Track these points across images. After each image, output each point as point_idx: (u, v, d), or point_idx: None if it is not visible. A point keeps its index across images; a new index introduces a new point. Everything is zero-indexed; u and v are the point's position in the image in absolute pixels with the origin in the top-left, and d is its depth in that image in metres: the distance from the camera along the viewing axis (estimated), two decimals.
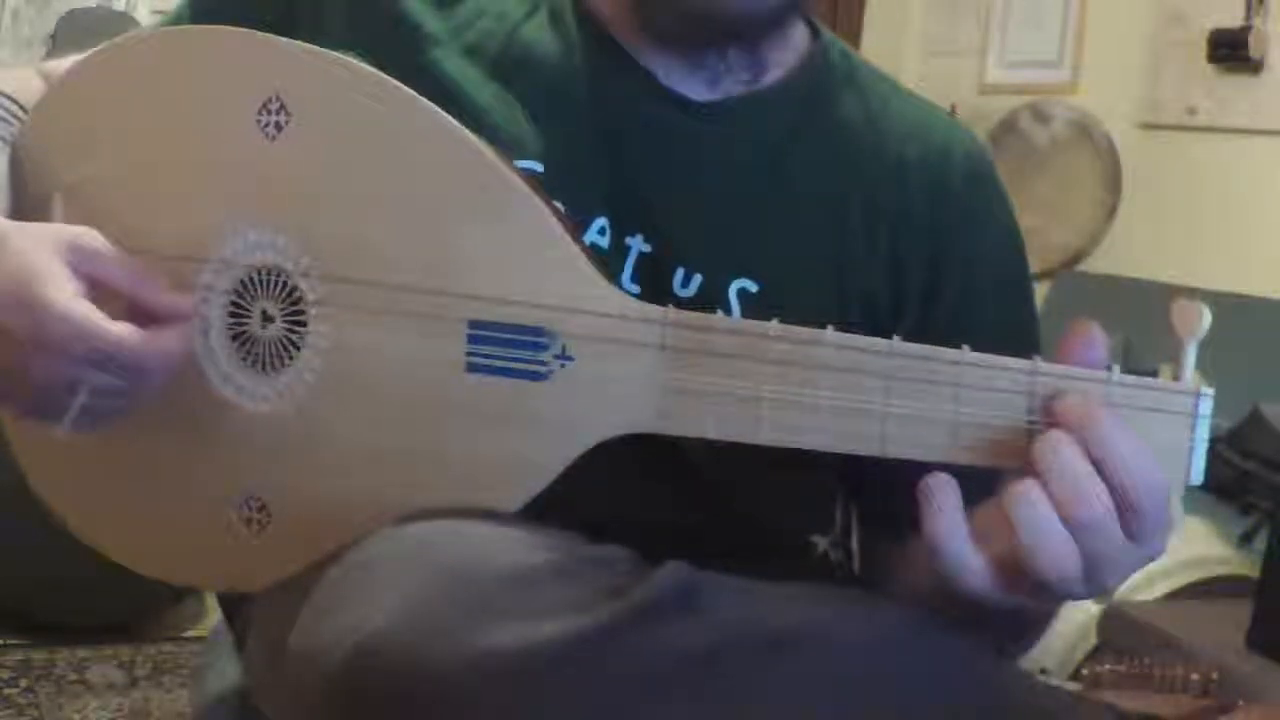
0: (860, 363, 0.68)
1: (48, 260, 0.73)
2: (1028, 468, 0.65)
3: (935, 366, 0.67)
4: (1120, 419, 0.65)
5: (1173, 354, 0.66)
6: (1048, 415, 0.66)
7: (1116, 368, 0.66)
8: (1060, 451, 0.64)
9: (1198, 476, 0.66)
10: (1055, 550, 0.64)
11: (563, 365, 0.72)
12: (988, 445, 0.67)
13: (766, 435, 0.70)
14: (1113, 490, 0.64)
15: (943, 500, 0.65)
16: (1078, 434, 0.64)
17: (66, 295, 0.72)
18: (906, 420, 0.67)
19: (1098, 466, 0.64)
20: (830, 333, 0.69)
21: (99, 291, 0.75)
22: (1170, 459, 0.66)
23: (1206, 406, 0.66)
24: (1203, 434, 0.66)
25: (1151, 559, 0.66)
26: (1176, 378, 0.66)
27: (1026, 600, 0.67)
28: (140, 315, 0.76)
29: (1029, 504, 0.64)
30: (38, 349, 0.72)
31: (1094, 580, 0.65)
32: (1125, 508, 0.64)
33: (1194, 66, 2.82)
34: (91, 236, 0.76)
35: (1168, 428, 0.66)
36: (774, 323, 0.70)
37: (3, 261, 0.73)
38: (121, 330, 0.73)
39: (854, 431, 0.68)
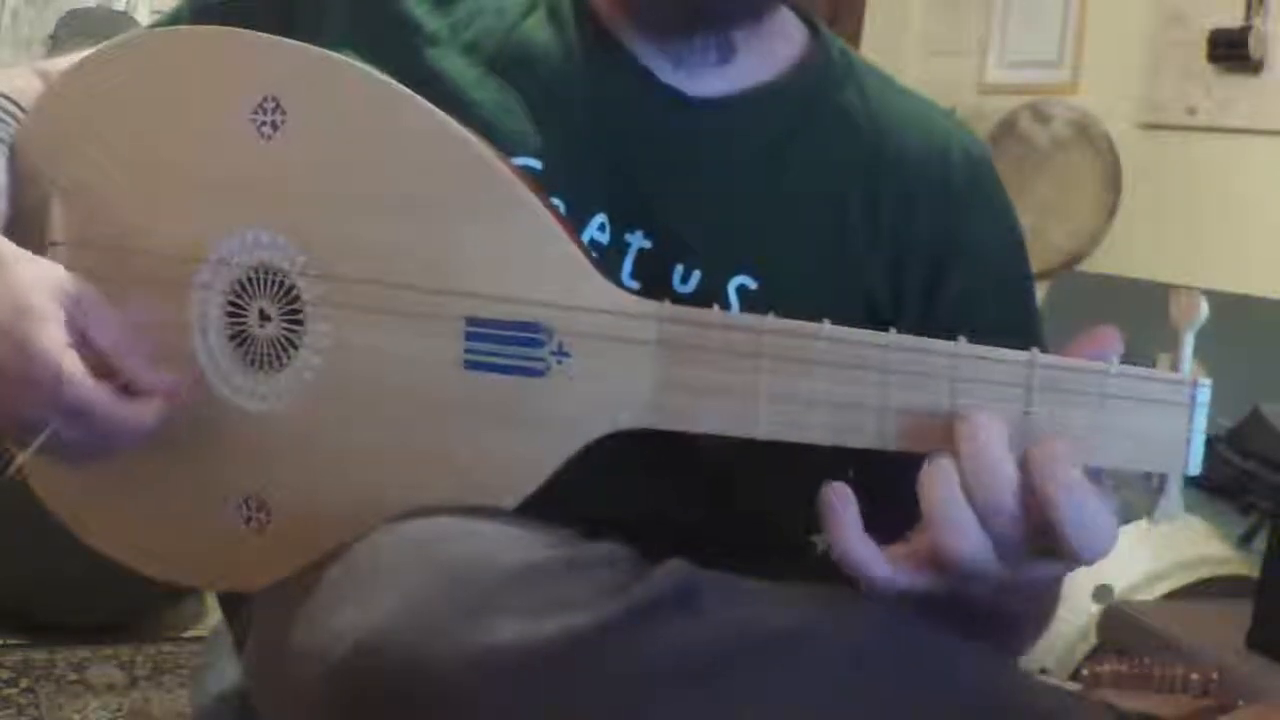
0: (857, 356, 0.68)
1: (45, 302, 0.74)
2: (948, 446, 0.65)
3: (932, 359, 0.67)
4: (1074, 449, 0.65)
5: (1171, 345, 0.66)
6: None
7: (1115, 359, 0.66)
8: (978, 433, 0.65)
9: (1195, 467, 0.66)
10: (957, 529, 0.64)
11: (560, 361, 0.72)
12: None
13: (764, 430, 0.70)
14: (1034, 494, 0.64)
15: (841, 512, 0.66)
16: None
17: (56, 343, 0.73)
18: (904, 413, 0.67)
19: (1026, 464, 0.64)
20: (827, 326, 0.69)
21: (87, 345, 0.75)
22: (1168, 449, 0.66)
23: (1204, 396, 0.66)
24: (1201, 424, 0.66)
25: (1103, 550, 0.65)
26: (1175, 368, 0.66)
27: (950, 585, 0.67)
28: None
29: (941, 483, 0.64)
30: (18, 383, 0.73)
31: (1008, 565, 0.65)
32: (1045, 515, 0.63)
33: (1194, 66, 2.82)
34: (92, 293, 0.77)
35: (1165, 418, 0.66)
36: (770, 317, 0.70)
37: (2, 288, 0.74)
38: (100, 394, 0.74)
39: (852, 425, 0.68)
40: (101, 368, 0.75)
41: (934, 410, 0.67)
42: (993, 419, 0.65)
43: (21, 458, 0.76)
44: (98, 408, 0.74)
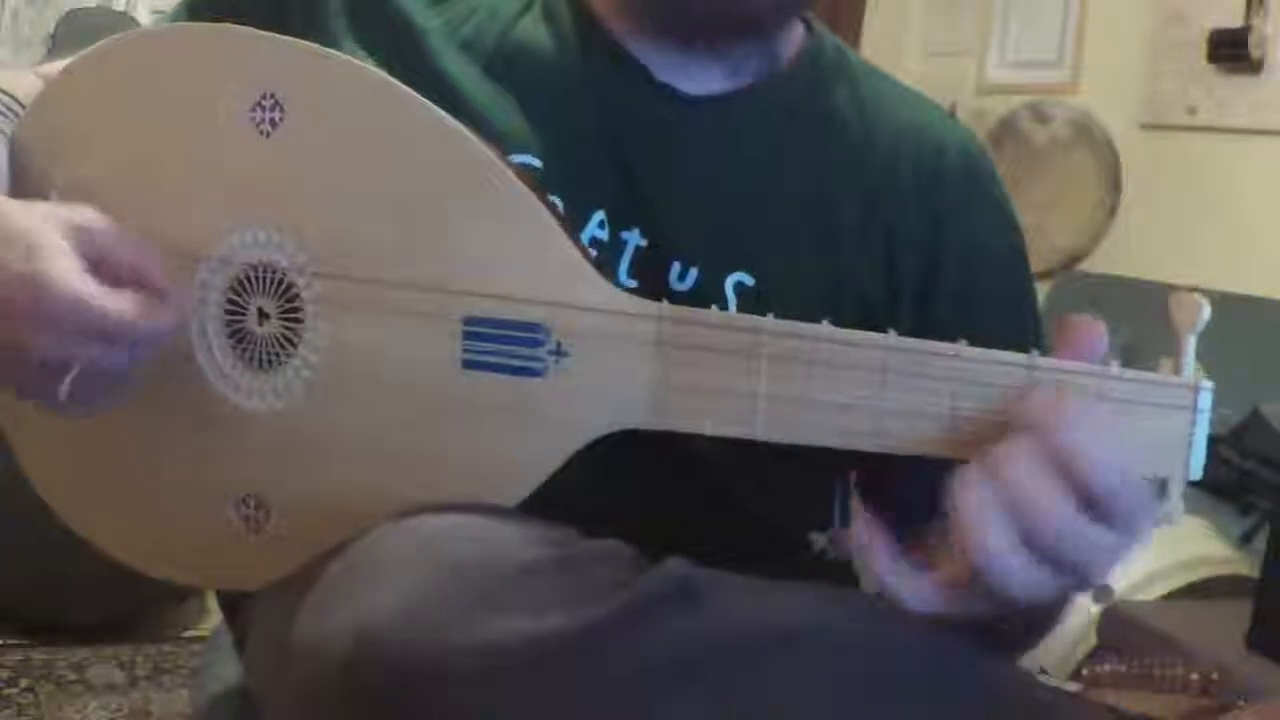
0: (857, 358, 0.68)
1: (50, 236, 0.73)
2: (984, 469, 0.63)
3: (932, 361, 0.67)
4: (1093, 409, 0.64)
5: (1171, 347, 0.66)
6: (1014, 418, 0.64)
7: (1115, 363, 0.66)
8: (1017, 462, 0.62)
9: (1198, 471, 0.66)
10: (1010, 570, 0.62)
11: (558, 361, 0.72)
12: (985, 440, 0.67)
13: (763, 430, 0.70)
14: (1078, 492, 0.63)
15: (875, 541, 0.65)
16: (1042, 437, 0.63)
17: (71, 271, 0.72)
18: (903, 415, 0.67)
19: (1062, 470, 0.63)
20: (826, 327, 0.69)
21: (100, 270, 0.75)
22: (1170, 453, 0.66)
23: (1206, 400, 0.66)
24: (1203, 427, 0.66)
25: (1133, 545, 0.65)
26: (1177, 372, 0.66)
27: (999, 608, 0.66)
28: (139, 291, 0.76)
29: (981, 524, 0.62)
30: (36, 323, 0.72)
31: (1079, 579, 0.65)
32: (1092, 504, 0.63)
33: (1194, 66, 2.82)
34: (92, 215, 0.76)
35: (1167, 422, 0.66)
36: (770, 317, 0.69)
37: (4, 237, 0.73)
38: (122, 303, 0.73)
39: (850, 426, 0.68)
40: (118, 285, 0.74)
41: (934, 412, 0.67)
42: (1030, 447, 0.63)
43: (57, 406, 0.74)
44: (127, 316, 0.73)
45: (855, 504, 0.66)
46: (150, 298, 0.75)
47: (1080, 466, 0.63)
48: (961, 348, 0.67)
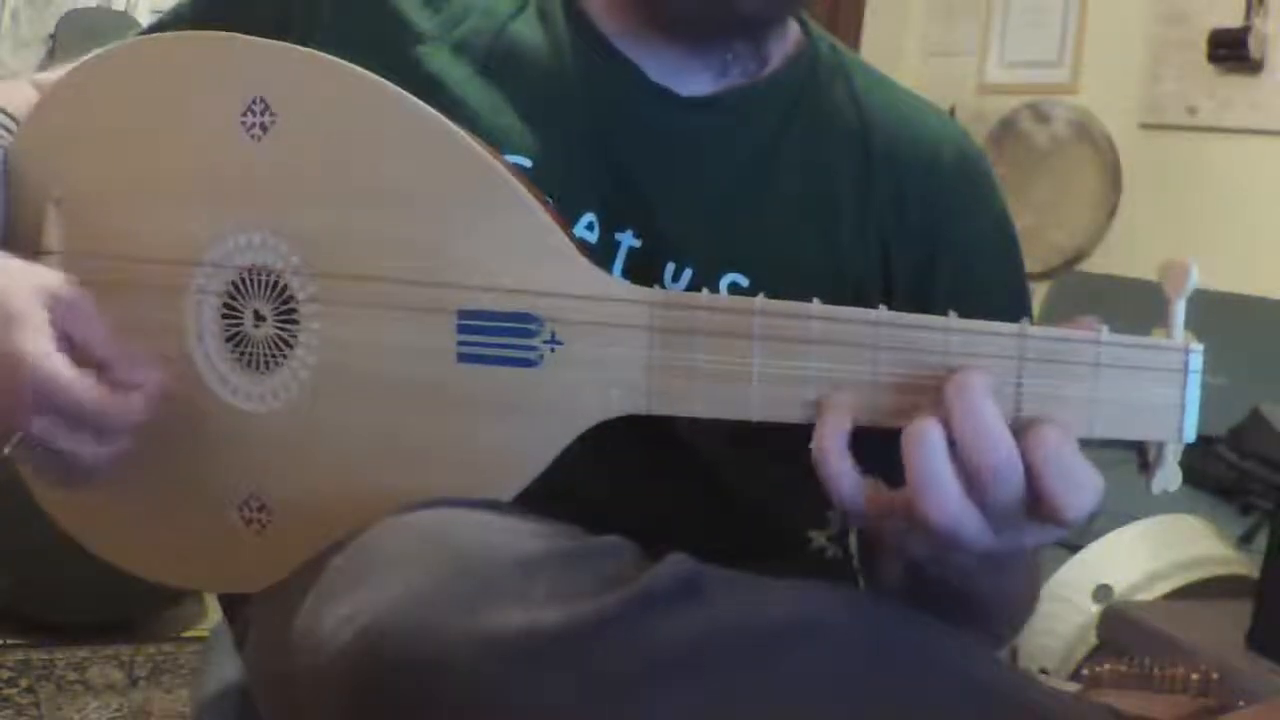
0: (849, 334, 0.68)
1: (29, 307, 0.74)
2: (935, 408, 0.64)
3: (924, 334, 0.67)
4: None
5: (1162, 314, 0.66)
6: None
7: (1105, 328, 0.66)
8: (969, 390, 0.63)
9: (1190, 434, 0.66)
10: (942, 494, 0.63)
11: (553, 350, 0.72)
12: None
13: (758, 412, 0.70)
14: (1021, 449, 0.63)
15: (834, 418, 0.65)
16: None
17: (42, 345, 0.73)
18: (897, 390, 0.67)
19: (1014, 424, 0.63)
20: (817, 305, 0.69)
21: (74, 348, 0.75)
22: (1163, 416, 0.66)
23: (1197, 362, 0.66)
24: (1194, 390, 0.66)
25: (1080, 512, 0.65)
26: (1168, 338, 0.66)
27: (923, 548, 0.67)
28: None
29: (923, 444, 0.63)
30: (6, 392, 0.73)
31: (997, 534, 0.64)
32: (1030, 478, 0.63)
33: (1194, 66, 2.82)
34: (72, 289, 0.76)
35: (1159, 385, 0.66)
36: (760, 298, 0.70)
37: None
38: (88, 389, 0.73)
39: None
40: (89, 367, 0.75)
41: (927, 386, 0.67)
42: (982, 374, 0.64)
43: (7, 449, 0.75)
44: (86, 403, 0.73)
45: (818, 400, 0.65)
46: (118, 387, 0.75)
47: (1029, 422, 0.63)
48: (953, 320, 0.67)
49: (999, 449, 0.63)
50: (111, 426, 0.75)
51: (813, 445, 0.66)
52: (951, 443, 0.63)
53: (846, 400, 0.66)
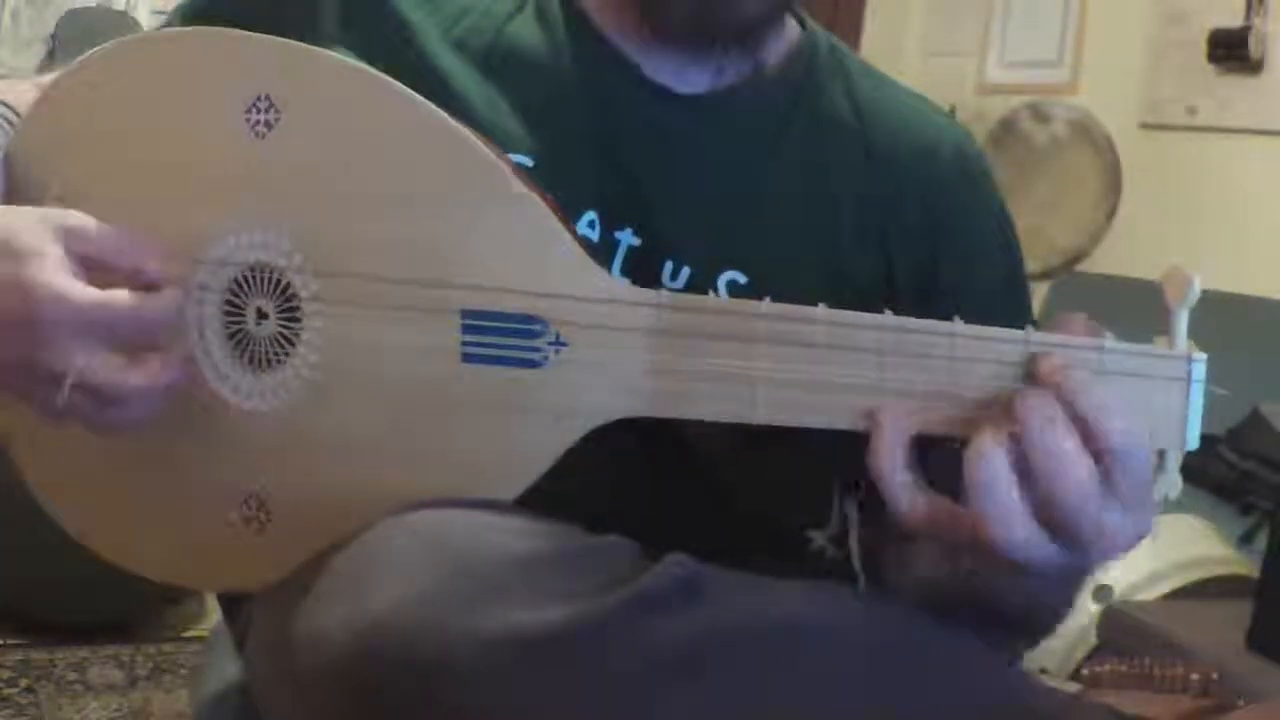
0: (854, 339, 0.68)
1: (40, 242, 0.73)
2: (1002, 427, 0.63)
3: (929, 340, 0.67)
4: (1109, 386, 0.64)
5: (1164, 326, 0.66)
6: (1032, 378, 0.65)
7: (1110, 336, 0.66)
8: (1039, 410, 0.63)
9: (1194, 441, 0.66)
10: (1009, 519, 0.62)
11: (557, 351, 0.72)
12: (987, 418, 0.66)
13: (762, 415, 0.70)
14: (1097, 456, 0.63)
15: (893, 429, 0.65)
16: (1060, 395, 0.63)
17: (59, 273, 0.72)
18: (902, 395, 0.67)
19: (1081, 429, 0.63)
20: (823, 310, 0.69)
21: (93, 270, 0.74)
22: (1166, 425, 0.66)
23: (1200, 371, 0.66)
24: (1197, 399, 0.66)
25: (1141, 535, 0.65)
26: (1170, 347, 0.66)
27: (988, 571, 0.66)
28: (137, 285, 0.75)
29: (989, 468, 0.62)
30: (28, 331, 0.71)
31: (1082, 551, 0.64)
32: (1106, 474, 0.63)
33: (1194, 66, 2.82)
34: (79, 216, 0.75)
35: (1162, 393, 0.66)
36: (765, 301, 0.70)
37: None
38: (117, 299, 0.72)
39: (849, 407, 0.68)
40: (113, 285, 0.73)
41: (933, 391, 0.67)
42: (1052, 400, 0.63)
43: (56, 417, 0.73)
44: (119, 314, 0.72)
45: (873, 411, 0.64)
46: (147, 289, 0.74)
47: (1100, 425, 0.63)
48: (957, 325, 0.67)
49: (1082, 486, 0.62)
50: (146, 326, 0.73)
51: (869, 461, 0.65)
52: (1020, 462, 0.63)
53: (902, 411, 0.66)
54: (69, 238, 0.74)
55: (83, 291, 0.72)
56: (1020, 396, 0.64)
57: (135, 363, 0.73)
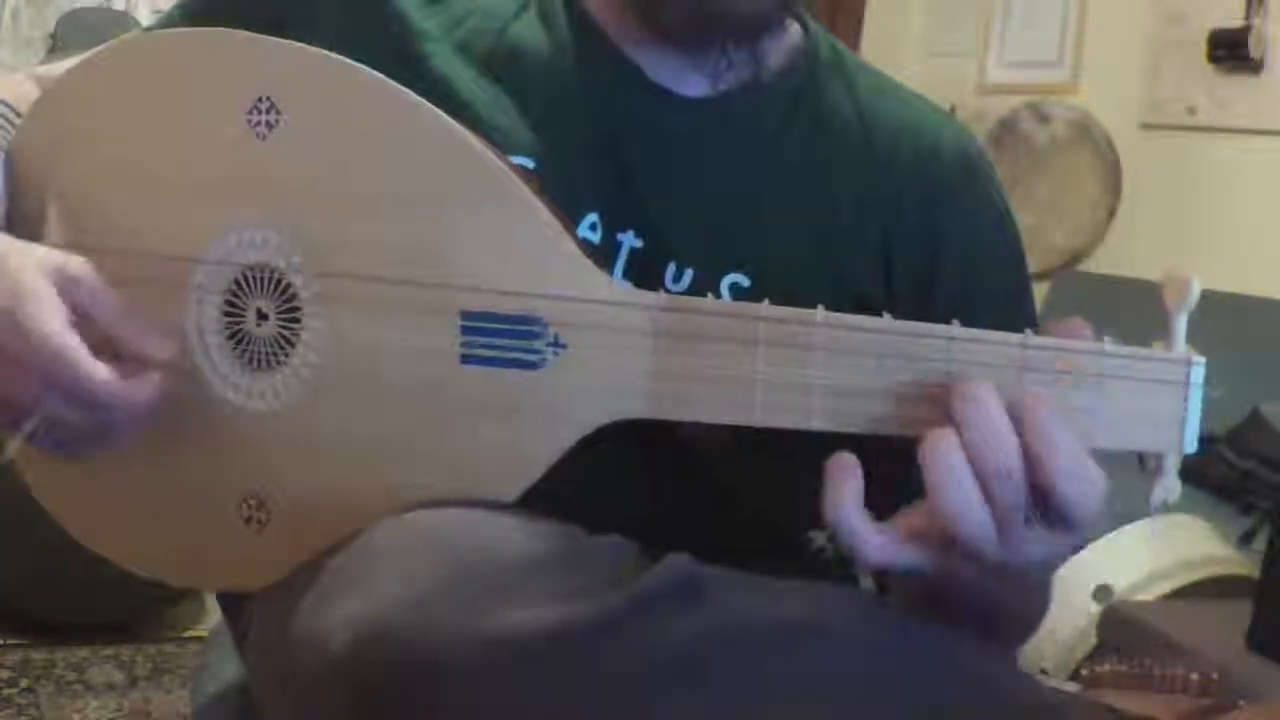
0: (853, 341, 0.68)
1: (40, 284, 0.74)
2: (946, 418, 0.64)
3: (928, 343, 0.67)
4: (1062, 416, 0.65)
5: (1163, 327, 0.67)
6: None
7: (1109, 339, 0.66)
8: (980, 402, 0.64)
9: (1192, 444, 0.67)
10: (963, 500, 0.63)
11: (556, 353, 0.72)
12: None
13: (761, 416, 0.70)
14: (1028, 455, 0.63)
15: (842, 481, 0.65)
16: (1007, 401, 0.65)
17: (53, 322, 0.73)
18: (901, 397, 0.67)
19: (1017, 427, 0.64)
20: (821, 312, 0.69)
21: (83, 320, 0.75)
22: (1164, 428, 0.66)
23: (1199, 375, 0.66)
24: (1196, 402, 0.66)
25: (1077, 548, 0.66)
26: (1169, 350, 0.66)
27: (945, 565, 0.67)
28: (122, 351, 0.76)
29: (943, 452, 0.63)
30: (17, 365, 0.73)
31: (1007, 542, 0.65)
32: (1038, 474, 0.63)
33: (1194, 66, 2.82)
34: (79, 264, 0.76)
35: (1161, 397, 0.66)
36: (765, 304, 0.70)
37: None
38: (99, 369, 0.73)
39: (848, 410, 0.68)
40: (100, 346, 0.75)
41: (930, 394, 0.67)
42: (989, 386, 0.65)
43: (16, 442, 0.75)
44: (98, 383, 0.73)
45: (833, 460, 0.65)
46: (127, 368, 0.75)
47: (1032, 419, 0.64)
48: (955, 329, 0.67)
49: (1010, 454, 0.63)
50: (122, 406, 0.75)
51: (827, 512, 0.66)
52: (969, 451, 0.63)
53: (851, 461, 0.66)
54: (65, 282, 0.75)
55: (70, 347, 0.73)
56: (956, 388, 0.65)
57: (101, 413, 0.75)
